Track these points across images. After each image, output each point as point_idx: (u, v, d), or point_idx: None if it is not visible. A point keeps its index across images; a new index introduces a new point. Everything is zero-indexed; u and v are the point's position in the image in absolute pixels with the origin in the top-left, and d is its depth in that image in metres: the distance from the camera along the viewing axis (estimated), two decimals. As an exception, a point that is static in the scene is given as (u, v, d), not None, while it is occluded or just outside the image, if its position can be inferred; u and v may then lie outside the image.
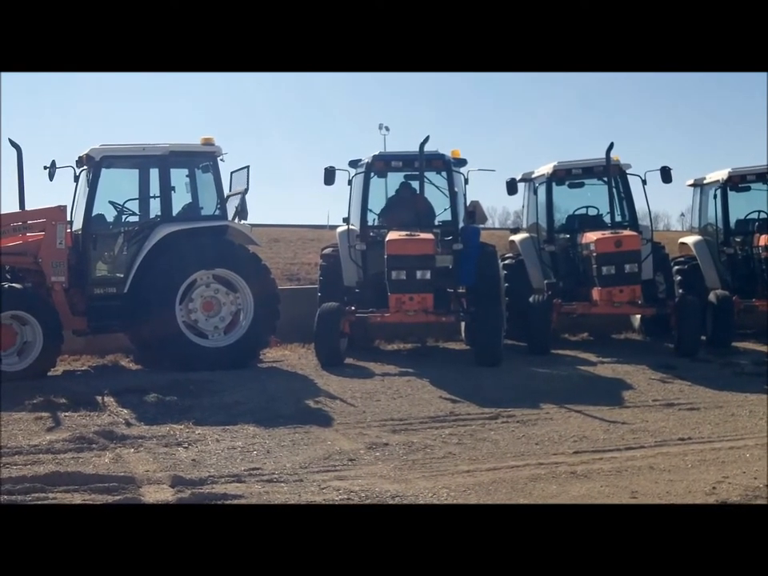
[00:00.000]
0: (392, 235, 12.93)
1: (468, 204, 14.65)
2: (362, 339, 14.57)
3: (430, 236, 12.92)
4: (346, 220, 14.45)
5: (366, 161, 14.56)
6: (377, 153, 14.65)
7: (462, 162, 14.63)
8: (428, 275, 12.60)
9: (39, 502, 6.51)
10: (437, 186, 14.42)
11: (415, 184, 13.88)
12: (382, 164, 14.54)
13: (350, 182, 14.48)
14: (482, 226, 15.39)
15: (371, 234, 14.16)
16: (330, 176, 14.23)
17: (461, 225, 14.25)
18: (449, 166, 14.30)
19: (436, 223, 14.29)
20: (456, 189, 14.29)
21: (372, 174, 14.56)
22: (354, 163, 14.84)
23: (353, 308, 13.27)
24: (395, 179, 14.94)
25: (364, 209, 14.44)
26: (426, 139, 13.04)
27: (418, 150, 13.12)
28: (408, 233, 12.90)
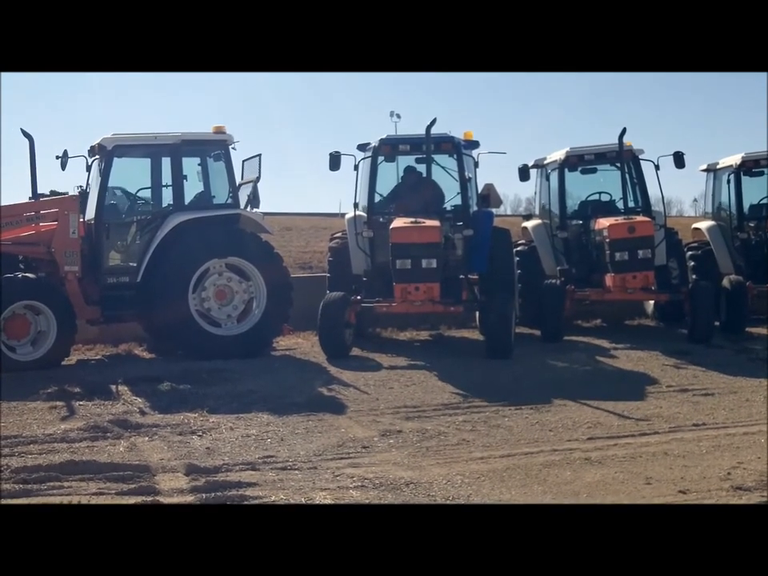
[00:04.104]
0: (397, 222, 12.57)
1: (482, 187, 14.46)
2: (372, 328, 14.52)
3: (436, 223, 12.53)
4: (356, 205, 14.19)
5: (373, 145, 14.26)
6: (384, 136, 14.34)
7: (474, 145, 14.32)
8: (434, 264, 12.24)
9: (54, 491, 6.55)
10: (444, 168, 14.16)
11: (421, 168, 13.68)
12: (389, 148, 14.20)
13: (356, 167, 14.01)
14: (495, 210, 15.18)
15: (380, 220, 13.73)
16: (335, 161, 13.91)
17: (473, 209, 13.97)
18: (459, 148, 13.95)
19: (448, 208, 14.11)
20: (467, 172, 13.97)
21: (380, 159, 14.25)
22: (361, 147, 14.56)
23: (359, 297, 13.08)
24: (406, 164, 14.61)
25: (371, 195, 14.12)
26: (433, 122, 12.66)
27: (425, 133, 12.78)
28: (413, 220, 12.53)
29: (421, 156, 13.76)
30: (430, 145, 12.89)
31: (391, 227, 12.55)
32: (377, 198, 14.29)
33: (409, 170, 14.48)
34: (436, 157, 13.68)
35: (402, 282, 12.36)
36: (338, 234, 15.13)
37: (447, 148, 13.99)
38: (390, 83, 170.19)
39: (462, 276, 13.58)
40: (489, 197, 14.44)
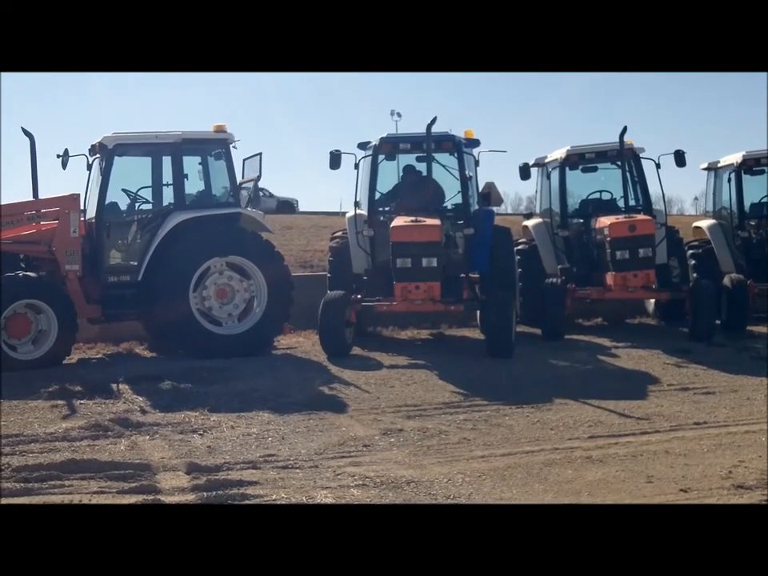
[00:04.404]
0: (397, 221, 12.55)
1: (482, 186, 14.43)
2: (373, 327, 14.48)
3: (436, 222, 12.49)
4: (357, 204, 14.14)
5: (374, 143, 14.23)
6: (384, 135, 14.30)
7: (475, 143, 14.27)
8: (434, 263, 12.23)
9: (55, 490, 6.56)
10: (444, 166, 14.12)
11: (420, 167, 13.66)
12: (389, 146, 14.17)
13: (356, 166, 13.98)
14: (496, 209, 15.15)
15: (381, 219, 13.74)
16: (335, 160, 13.84)
17: (473, 208, 13.94)
18: (459, 147, 13.91)
19: (449, 207, 14.08)
20: (468, 171, 13.94)
21: (380, 158, 14.21)
22: (362, 146, 14.54)
23: (359, 296, 13.07)
24: (406, 162, 14.56)
25: (372, 193, 14.10)
26: (434, 120, 12.59)
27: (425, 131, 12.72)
28: (414, 219, 12.50)
29: (421, 155, 13.71)
30: (430, 143, 12.86)
31: (392, 226, 12.53)
32: (377, 197, 14.27)
33: (408, 169, 14.46)
34: (437, 155, 13.67)
35: (402, 280, 12.34)
36: (339, 233, 15.11)
37: (448, 146, 13.95)
38: (390, 83, 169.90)
39: (462, 275, 13.53)
40: (489, 195, 14.44)
